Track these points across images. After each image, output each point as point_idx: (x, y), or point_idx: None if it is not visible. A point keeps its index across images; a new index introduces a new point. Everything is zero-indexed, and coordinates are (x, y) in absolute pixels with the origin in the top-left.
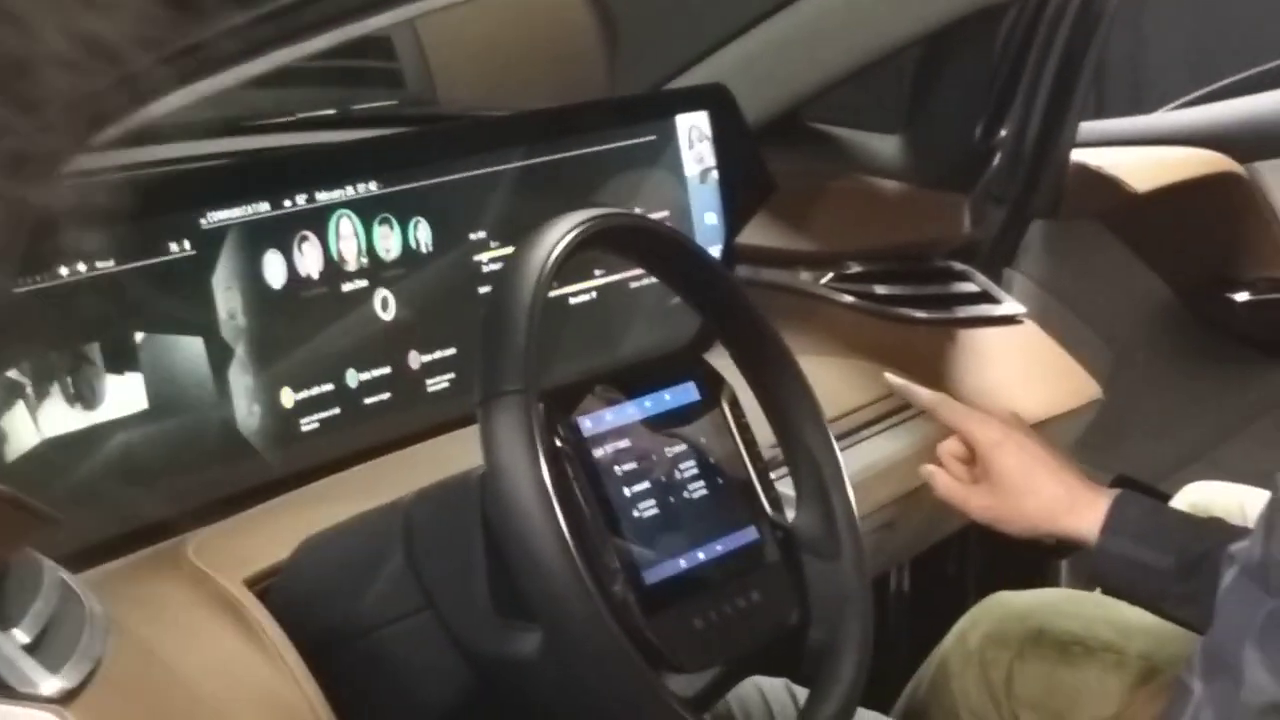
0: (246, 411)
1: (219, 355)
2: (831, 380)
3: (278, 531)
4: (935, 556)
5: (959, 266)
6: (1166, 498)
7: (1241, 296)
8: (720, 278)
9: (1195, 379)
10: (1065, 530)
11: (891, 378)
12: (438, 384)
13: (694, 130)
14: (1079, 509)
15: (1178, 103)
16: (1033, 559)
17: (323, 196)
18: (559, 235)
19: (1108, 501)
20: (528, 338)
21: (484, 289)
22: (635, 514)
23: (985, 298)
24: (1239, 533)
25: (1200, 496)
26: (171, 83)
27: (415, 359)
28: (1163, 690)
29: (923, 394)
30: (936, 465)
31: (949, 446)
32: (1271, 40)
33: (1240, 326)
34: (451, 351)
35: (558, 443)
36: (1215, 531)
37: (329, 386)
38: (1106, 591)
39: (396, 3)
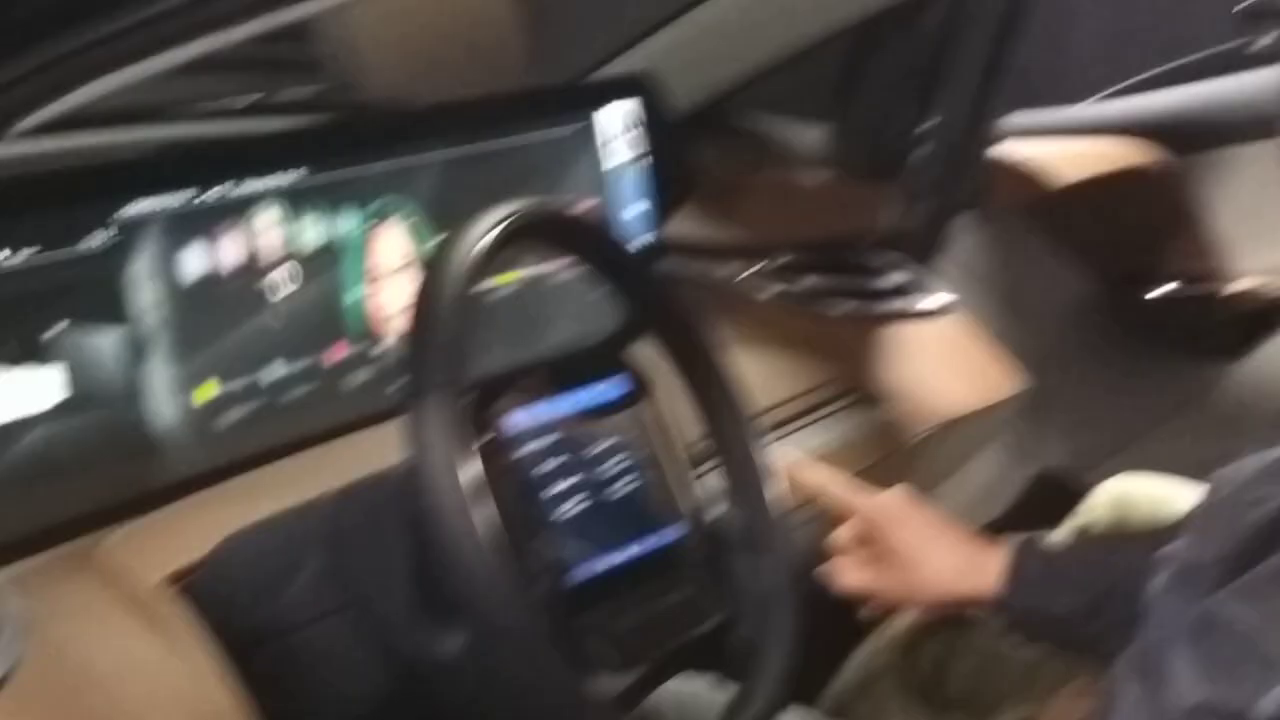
0: (163, 406)
1: (136, 349)
2: (758, 373)
3: (197, 529)
4: None
5: (890, 255)
6: (1088, 488)
7: (1155, 293)
8: (649, 269)
9: (1119, 372)
10: (967, 594)
11: (806, 474)
12: (356, 379)
13: (619, 120)
14: (976, 572)
15: (1105, 93)
16: None
17: (244, 187)
18: (483, 230)
19: (1004, 558)
20: (451, 335)
21: None
22: (559, 513)
23: (913, 290)
24: (1141, 557)
25: (1123, 489)
26: (91, 71)
27: (334, 354)
28: (1089, 689)
29: (810, 478)
30: (834, 559)
31: (843, 533)
32: (1192, 32)
33: (1154, 322)
34: (371, 346)
35: (480, 441)
36: (1117, 566)
37: (247, 381)
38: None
39: None
